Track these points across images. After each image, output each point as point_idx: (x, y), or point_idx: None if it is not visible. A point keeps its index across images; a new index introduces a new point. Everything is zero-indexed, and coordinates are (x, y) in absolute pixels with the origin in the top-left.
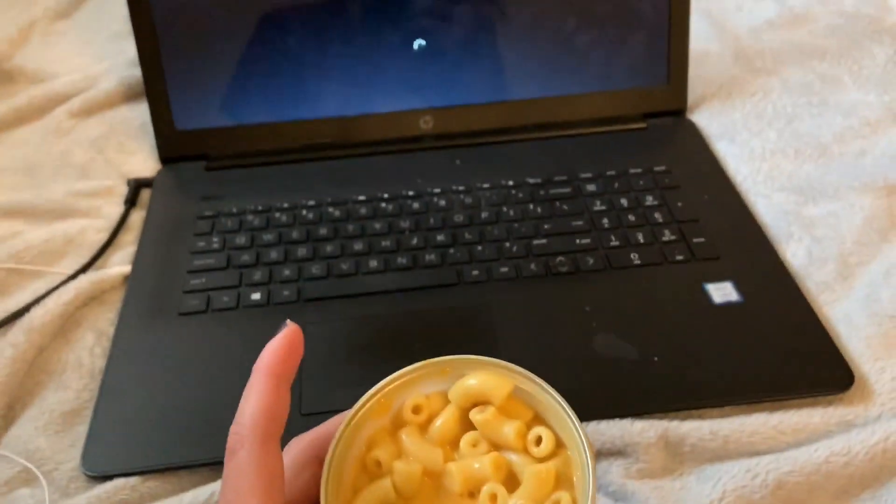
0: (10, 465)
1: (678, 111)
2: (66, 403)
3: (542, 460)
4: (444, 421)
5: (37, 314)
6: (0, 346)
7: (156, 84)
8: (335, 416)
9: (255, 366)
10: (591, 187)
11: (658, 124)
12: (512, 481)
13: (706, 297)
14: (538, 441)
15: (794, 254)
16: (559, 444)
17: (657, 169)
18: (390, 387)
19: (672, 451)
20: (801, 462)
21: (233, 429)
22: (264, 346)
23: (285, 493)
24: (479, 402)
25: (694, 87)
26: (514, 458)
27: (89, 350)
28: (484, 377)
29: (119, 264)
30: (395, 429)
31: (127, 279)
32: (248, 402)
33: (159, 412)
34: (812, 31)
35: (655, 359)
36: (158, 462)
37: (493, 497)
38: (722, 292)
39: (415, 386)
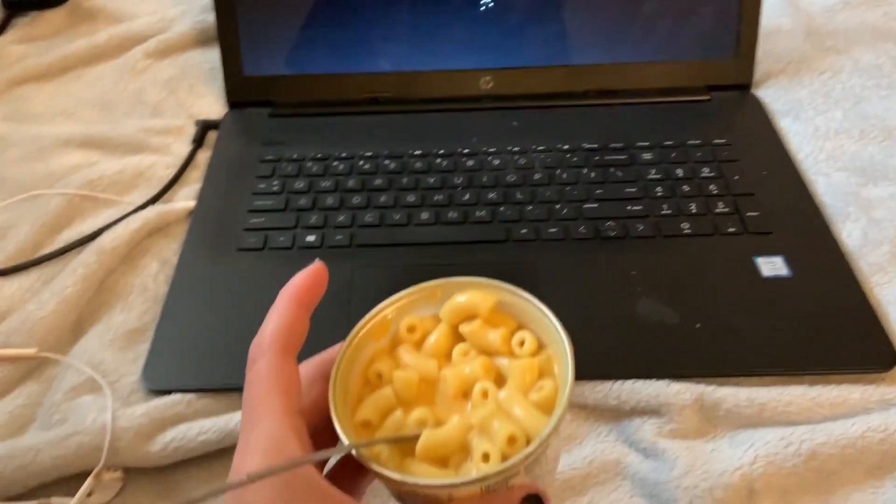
0: (77, 374)
1: (743, 85)
2: (130, 323)
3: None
4: (437, 336)
5: (107, 239)
6: (73, 264)
7: (227, 30)
8: (339, 343)
9: (280, 291)
10: (647, 156)
11: (722, 97)
12: (500, 382)
13: (755, 269)
14: (522, 344)
15: (850, 234)
16: (541, 346)
17: (717, 142)
18: (387, 310)
19: (706, 414)
20: (837, 434)
21: (254, 342)
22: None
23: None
24: (468, 318)
25: (761, 62)
26: (502, 361)
27: (153, 276)
28: (470, 294)
29: (184, 199)
30: (392, 348)
31: (191, 214)
32: (269, 320)
33: (215, 338)
34: (888, 14)
35: (698, 325)
36: (212, 383)
37: (485, 393)
38: (771, 266)
39: (409, 310)
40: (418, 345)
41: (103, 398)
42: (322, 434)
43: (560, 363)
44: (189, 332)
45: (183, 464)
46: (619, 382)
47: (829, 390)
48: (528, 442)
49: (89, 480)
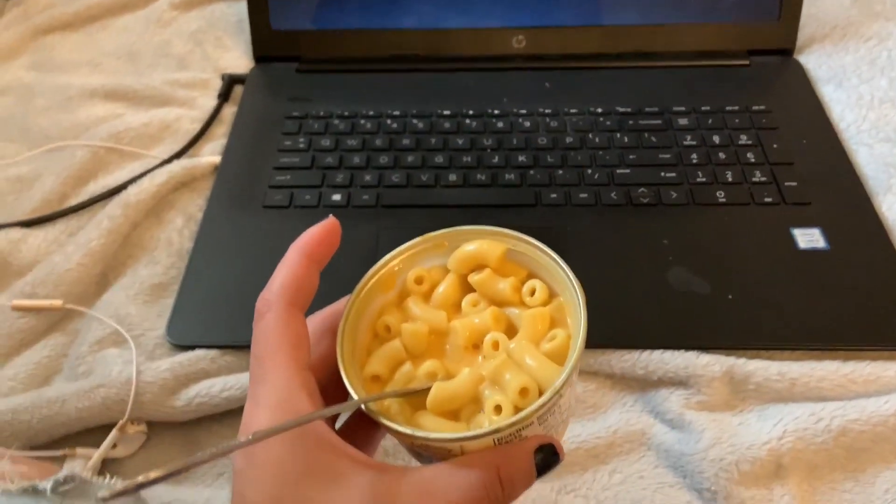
0: (102, 327)
1: (786, 50)
2: (155, 277)
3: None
4: (446, 287)
5: (132, 192)
6: (98, 217)
7: None
8: (345, 297)
9: (291, 245)
10: (682, 121)
11: (762, 62)
12: (511, 332)
13: (791, 241)
14: (533, 293)
15: (890, 207)
16: (553, 294)
17: (756, 108)
18: (394, 261)
19: (736, 387)
20: (869, 412)
21: (261, 296)
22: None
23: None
24: (477, 267)
25: (805, 26)
26: (513, 311)
27: (178, 231)
28: (479, 243)
29: (210, 154)
30: (400, 300)
31: (216, 169)
32: (278, 274)
33: (240, 295)
34: None
35: (730, 296)
36: (236, 339)
37: (496, 344)
38: (808, 238)
39: (416, 261)
40: (427, 296)
41: (128, 351)
42: (331, 389)
43: (572, 312)
44: (214, 288)
45: (206, 419)
46: (647, 352)
47: (862, 366)
48: (540, 393)
49: (114, 433)
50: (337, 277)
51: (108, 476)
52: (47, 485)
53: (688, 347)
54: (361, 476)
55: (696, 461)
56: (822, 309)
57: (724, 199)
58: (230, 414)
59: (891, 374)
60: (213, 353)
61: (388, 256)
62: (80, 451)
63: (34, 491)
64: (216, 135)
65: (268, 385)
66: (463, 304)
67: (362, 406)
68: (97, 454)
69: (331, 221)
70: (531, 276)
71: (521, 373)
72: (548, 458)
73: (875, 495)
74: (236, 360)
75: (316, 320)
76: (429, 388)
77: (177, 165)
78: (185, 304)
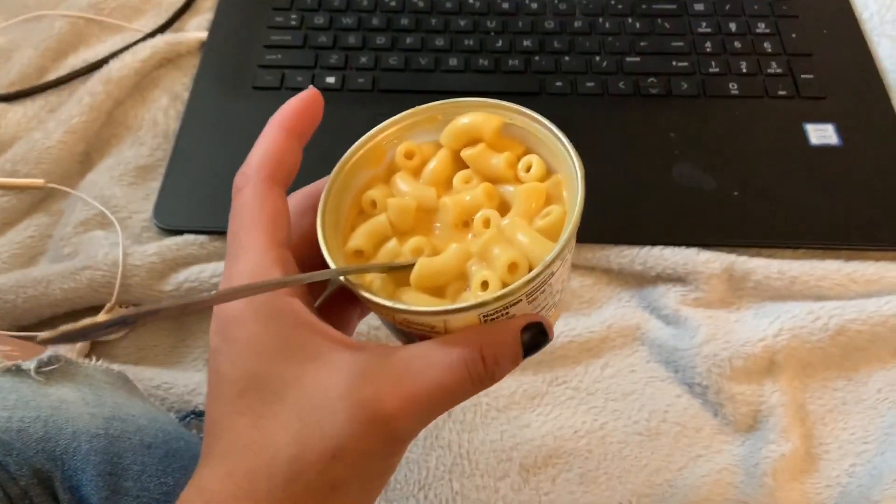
0: (86, 207)
1: None
2: (141, 158)
3: None
4: (437, 162)
5: (114, 67)
6: (79, 93)
7: None
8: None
9: (270, 118)
10: (698, 6)
11: None
12: (504, 210)
13: (803, 136)
14: (529, 169)
15: None
16: (550, 171)
17: None
18: (383, 134)
19: (735, 284)
20: (869, 311)
21: (239, 171)
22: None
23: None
24: (471, 142)
25: None
26: (507, 187)
27: (164, 111)
28: (474, 116)
29: (196, 30)
30: (388, 176)
31: (203, 45)
32: (255, 148)
33: (229, 179)
34: None
35: (735, 193)
36: (226, 224)
37: (486, 221)
38: (821, 133)
39: (407, 135)
40: (416, 172)
41: (114, 234)
42: (314, 268)
43: (570, 188)
44: (202, 171)
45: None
46: (647, 248)
47: (865, 266)
48: (530, 268)
49: (101, 315)
50: (330, 164)
51: (93, 358)
52: (31, 365)
53: (689, 244)
54: (339, 354)
55: (690, 356)
56: (829, 207)
57: (736, 92)
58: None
59: (893, 275)
60: (202, 238)
61: (376, 129)
62: (63, 327)
63: (18, 370)
64: (203, 8)
65: (242, 261)
66: (455, 180)
67: (342, 278)
68: (101, 314)
69: (311, 92)
70: (528, 150)
71: (510, 248)
72: (536, 336)
73: (867, 394)
74: (226, 246)
75: (298, 196)
76: (413, 264)
77: (160, 40)
78: (173, 188)
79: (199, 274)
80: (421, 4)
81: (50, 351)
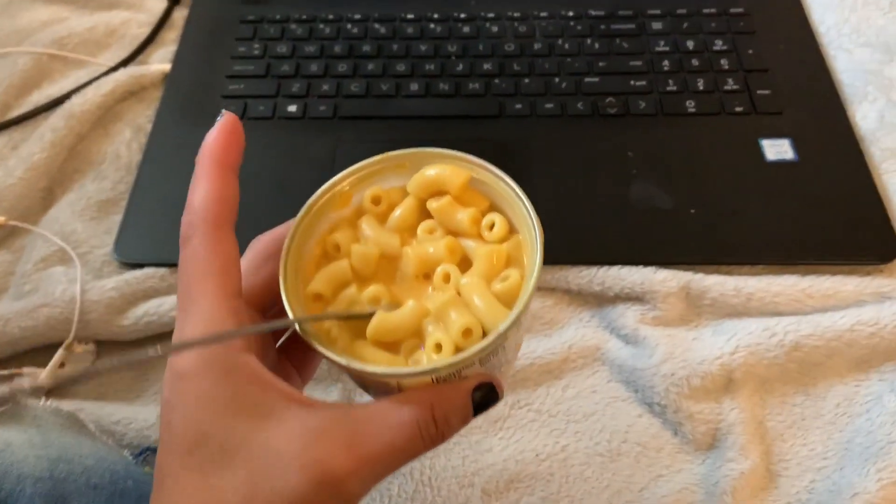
0: (47, 244)
1: None
2: (103, 192)
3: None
4: (403, 210)
5: (76, 102)
6: (41, 130)
7: None
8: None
9: (196, 158)
10: (656, 25)
11: None
12: (465, 264)
13: (759, 152)
14: (491, 227)
15: (865, 116)
16: (512, 230)
17: (734, 11)
18: (350, 179)
19: (692, 302)
20: (824, 327)
21: (183, 219)
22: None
23: (247, 285)
24: (437, 193)
25: None
26: (469, 243)
27: (127, 144)
28: (441, 168)
29: (159, 62)
30: (355, 219)
31: (166, 77)
32: (195, 192)
33: None
34: None
35: (692, 211)
36: None
37: (447, 276)
38: (777, 149)
39: (374, 180)
40: (382, 217)
41: (74, 270)
42: (276, 315)
43: (529, 252)
44: (164, 204)
45: (156, 338)
46: (605, 268)
47: (821, 281)
48: (484, 334)
49: (60, 352)
50: (291, 192)
51: (44, 398)
52: None
53: (646, 263)
54: (292, 412)
55: (648, 376)
56: (786, 223)
57: (693, 109)
58: None
59: (849, 289)
60: (162, 271)
61: (344, 173)
62: (27, 370)
63: None
64: (166, 41)
65: (194, 314)
66: (419, 230)
67: (296, 326)
68: (44, 373)
69: (228, 119)
70: (493, 207)
71: (466, 312)
72: (486, 395)
73: (825, 409)
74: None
75: (260, 243)
76: (370, 314)
77: (123, 74)
78: (134, 221)
79: (158, 307)
80: (383, 31)
81: None
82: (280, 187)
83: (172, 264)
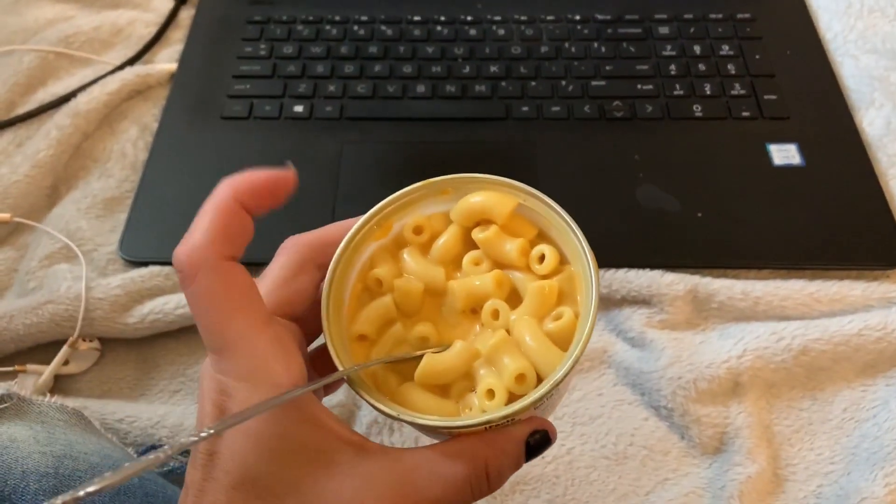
0: (52, 241)
1: None
2: (108, 190)
3: (545, 277)
4: (446, 240)
5: (82, 100)
6: (46, 127)
7: None
8: (333, 224)
9: (224, 181)
10: (663, 30)
11: None
12: (514, 298)
13: (766, 157)
14: (541, 259)
15: (871, 122)
16: (563, 261)
17: (740, 16)
18: (390, 207)
19: (699, 306)
20: (832, 331)
21: (182, 251)
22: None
23: (282, 295)
24: (482, 221)
25: None
26: (518, 275)
27: (133, 143)
28: (486, 195)
29: (166, 61)
30: (396, 249)
31: (172, 77)
32: (202, 220)
33: (196, 209)
34: None
35: (699, 214)
36: None
37: (496, 313)
38: (784, 154)
39: (415, 207)
40: (425, 248)
41: (79, 267)
42: (311, 321)
43: (582, 287)
44: (169, 202)
45: (161, 336)
46: (612, 271)
47: (828, 286)
48: (538, 379)
49: (65, 349)
50: (297, 193)
51: (49, 395)
52: None
53: (653, 266)
54: (343, 457)
55: (655, 379)
56: (793, 227)
57: (700, 114)
58: (185, 331)
59: (856, 294)
60: (167, 269)
61: (384, 202)
62: (30, 367)
63: None
64: (172, 40)
65: (238, 359)
66: (464, 261)
67: (345, 378)
68: (48, 370)
69: (286, 172)
70: (541, 234)
71: (519, 356)
72: (539, 442)
73: (832, 413)
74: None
75: (295, 249)
76: (418, 356)
77: (130, 73)
78: (139, 219)
79: (163, 305)
80: (389, 32)
81: (2, 389)
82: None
83: None
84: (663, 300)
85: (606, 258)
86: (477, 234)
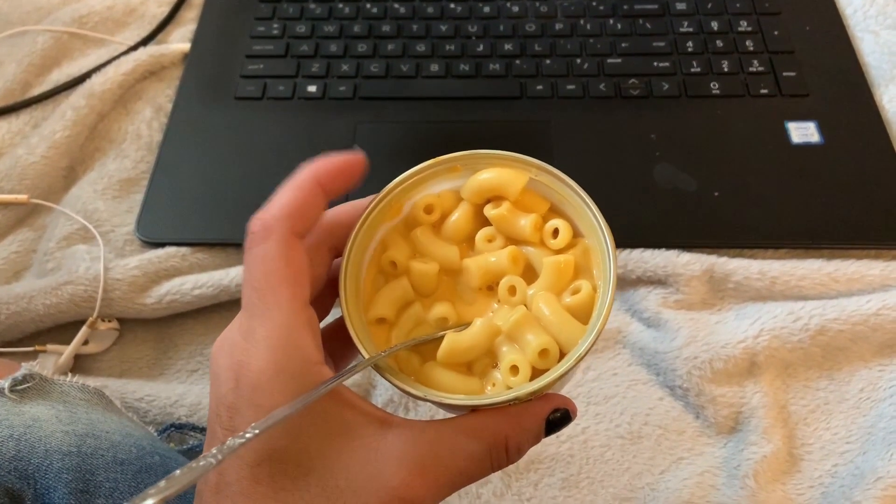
0: (69, 222)
1: None
2: (124, 171)
3: (559, 252)
4: (458, 218)
5: (97, 81)
6: (62, 108)
7: None
8: (342, 205)
9: (304, 165)
10: (680, 6)
11: None
12: (530, 273)
13: (785, 135)
14: (555, 233)
15: (892, 99)
16: (577, 234)
17: None
18: (400, 187)
19: (715, 286)
20: (850, 311)
21: (258, 216)
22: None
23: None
24: (494, 198)
25: None
26: (531, 250)
27: (147, 123)
28: (497, 171)
29: (179, 41)
30: (407, 229)
31: (186, 57)
32: (282, 195)
33: (212, 190)
34: None
35: (716, 194)
36: (208, 236)
37: (512, 289)
38: (803, 132)
39: (425, 185)
40: (436, 227)
41: (97, 248)
42: (327, 298)
43: (598, 260)
44: (185, 183)
45: (179, 316)
46: (628, 251)
47: (847, 265)
48: (561, 353)
49: (84, 329)
50: None
51: (70, 374)
52: (5, 384)
53: (669, 246)
54: (367, 430)
55: (670, 359)
56: (811, 206)
57: (717, 91)
58: (203, 311)
59: (875, 273)
60: (184, 249)
61: (394, 182)
62: (50, 347)
63: None
64: (186, 20)
65: (268, 322)
66: (477, 238)
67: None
68: (68, 350)
69: (356, 155)
70: (553, 209)
71: (541, 332)
72: (560, 420)
73: (849, 394)
74: (208, 258)
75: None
76: (439, 337)
77: (144, 53)
78: (156, 200)
79: (180, 286)
80: (402, 10)
81: (24, 369)
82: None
83: (194, 243)
84: (679, 280)
85: (622, 238)
86: (489, 211)
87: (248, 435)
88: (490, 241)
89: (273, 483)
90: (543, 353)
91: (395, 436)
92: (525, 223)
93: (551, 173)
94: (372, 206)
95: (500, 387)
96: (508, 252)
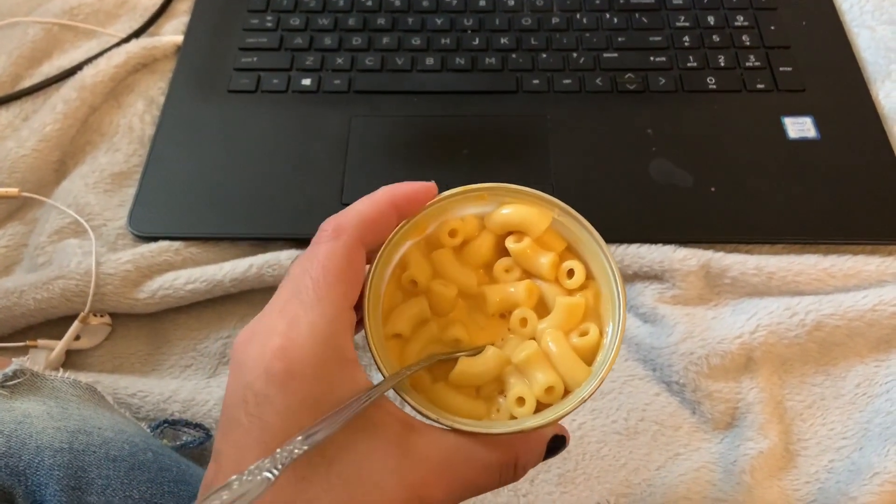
0: (60, 216)
1: None
2: (116, 165)
3: (572, 292)
4: (480, 245)
5: (88, 73)
6: (53, 100)
7: None
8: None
9: (386, 186)
10: (677, 1)
11: None
12: (542, 308)
13: (781, 130)
14: (570, 273)
15: (888, 94)
16: (589, 276)
17: None
18: (429, 209)
19: (711, 281)
20: (846, 306)
21: (335, 218)
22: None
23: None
24: (515, 232)
25: None
26: (545, 286)
27: (140, 116)
28: (523, 208)
29: (172, 34)
30: (428, 248)
31: (179, 49)
32: (362, 204)
33: (205, 184)
34: None
35: (713, 189)
36: (201, 230)
37: (524, 321)
38: (799, 127)
39: (451, 209)
40: (458, 250)
41: (88, 242)
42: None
43: (607, 305)
44: (177, 176)
45: (172, 311)
46: (624, 246)
47: (843, 260)
48: (565, 390)
49: (76, 324)
50: (306, 167)
51: (61, 370)
52: None
53: (665, 241)
54: (392, 429)
55: (667, 354)
56: (807, 202)
57: (714, 86)
58: (196, 306)
59: (871, 269)
60: (177, 244)
61: (426, 206)
62: (42, 342)
63: None
64: (178, 11)
65: (317, 313)
66: (496, 267)
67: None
68: (59, 345)
69: (430, 184)
70: (569, 248)
71: (549, 370)
72: (557, 445)
73: (846, 389)
74: (202, 252)
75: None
76: (454, 358)
77: (136, 45)
78: (148, 194)
79: (173, 281)
80: (398, 3)
81: (15, 364)
82: (294, 162)
83: (187, 237)
84: (675, 275)
85: (618, 233)
86: (511, 244)
87: (296, 451)
88: (507, 271)
89: (295, 471)
90: (549, 389)
91: (418, 439)
92: (544, 261)
93: (571, 215)
94: (398, 227)
95: (505, 414)
96: (525, 286)
